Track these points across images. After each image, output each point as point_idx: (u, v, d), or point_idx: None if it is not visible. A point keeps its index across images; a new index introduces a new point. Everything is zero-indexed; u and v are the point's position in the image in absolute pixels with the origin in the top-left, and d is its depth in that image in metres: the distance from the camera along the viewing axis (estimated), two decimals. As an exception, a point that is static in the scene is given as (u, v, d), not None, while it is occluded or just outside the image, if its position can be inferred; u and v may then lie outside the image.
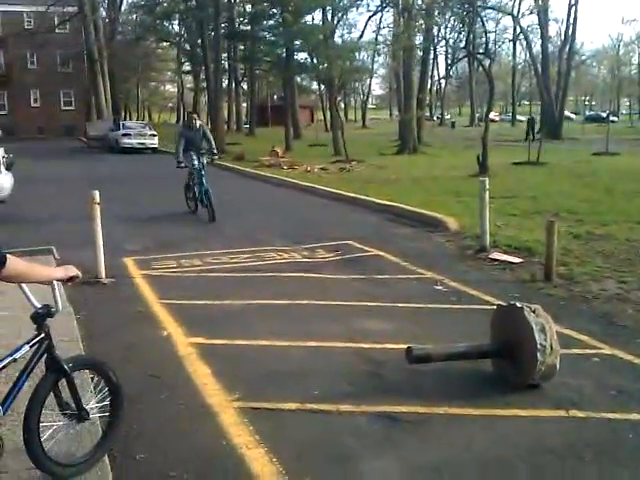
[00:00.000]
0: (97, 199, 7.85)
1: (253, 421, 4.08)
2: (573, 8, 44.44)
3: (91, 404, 3.33)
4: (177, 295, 7.05)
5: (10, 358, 2.84)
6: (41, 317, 2.96)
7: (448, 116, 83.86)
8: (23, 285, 2.95)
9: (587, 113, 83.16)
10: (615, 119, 67.78)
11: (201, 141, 12.70)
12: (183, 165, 12.40)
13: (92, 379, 3.55)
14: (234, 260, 8.85)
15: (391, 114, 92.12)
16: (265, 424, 4.05)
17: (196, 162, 12.35)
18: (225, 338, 5.65)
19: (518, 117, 73.45)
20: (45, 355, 3.02)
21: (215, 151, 13.03)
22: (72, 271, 3.02)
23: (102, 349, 5.29)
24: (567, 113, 58.09)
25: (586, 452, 3.72)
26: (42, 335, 2.99)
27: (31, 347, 2.95)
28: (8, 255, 2.58)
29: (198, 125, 12.80)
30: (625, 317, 6.18)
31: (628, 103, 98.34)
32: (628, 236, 9.75)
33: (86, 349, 5.17)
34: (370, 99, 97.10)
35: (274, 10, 38.76)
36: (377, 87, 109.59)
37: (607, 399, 4.42)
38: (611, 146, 27.24)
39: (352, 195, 15.17)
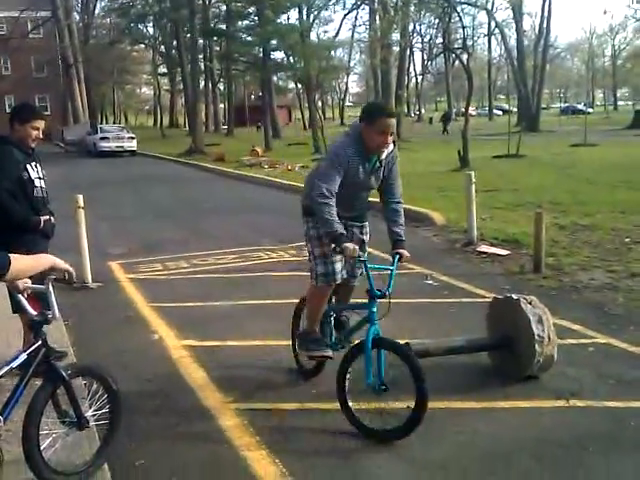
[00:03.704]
0: (81, 203, 7.73)
1: (253, 423, 4.02)
2: (547, 2, 44.83)
3: (90, 411, 3.25)
4: (166, 298, 6.96)
5: (7, 367, 2.76)
6: (38, 324, 2.88)
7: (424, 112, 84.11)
8: (19, 295, 2.87)
9: (562, 105, 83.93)
10: (590, 110, 68.41)
11: (367, 191, 4.54)
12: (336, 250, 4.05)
13: (89, 385, 3.47)
14: (221, 261, 8.77)
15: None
16: (265, 425, 3.99)
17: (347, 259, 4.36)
18: (217, 339, 5.58)
19: (495, 111, 73.91)
20: (43, 363, 2.94)
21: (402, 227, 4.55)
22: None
23: (93, 355, 5.21)
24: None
25: (589, 442, 3.70)
26: (39, 342, 2.91)
27: (28, 355, 2.87)
28: (10, 255, 2.45)
29: (386, 153, 4.31)
30: (616, 306, 6.20)
31: (602, 94, 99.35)
32: (613, 225, 9.80)
33: (77, 355, 5.07)
34: (347, 97, 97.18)
35: (249, 10, 38.67)
36: (354, 85, 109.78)
37: (606, 388, 4.41)
38: (589, 137, 27.44)
39: (335, 193, 15.09)
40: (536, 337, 4.38)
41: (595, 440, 3.73)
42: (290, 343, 4.90)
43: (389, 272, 4.11)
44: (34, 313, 2.90)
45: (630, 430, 3.84)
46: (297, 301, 4.94)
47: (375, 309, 4.06)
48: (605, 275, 7.26)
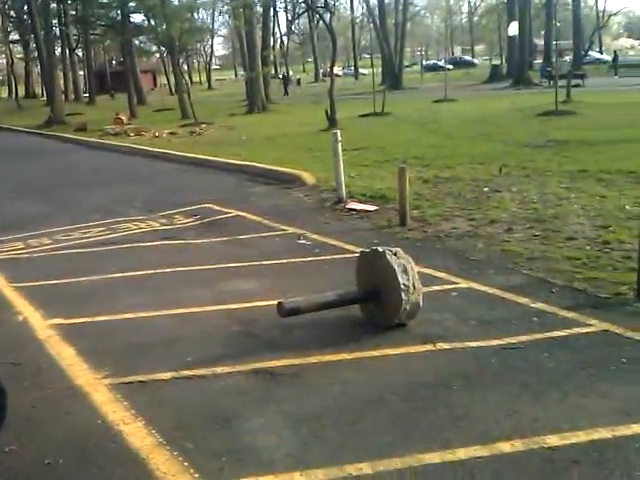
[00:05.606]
0: None
1: (127, 396, 3.94)
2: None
3: None
4: (29, 277, 6.63)
5: None
6: None
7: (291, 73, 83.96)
8: None
9: (424, 63, 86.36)
10: (450, 67, 70.79)
11: None
12: None
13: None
14: (87, 235, 8.44)
15: (236, 74, 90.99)
16: (140, 397, 3.93)
17: None
18: (87, 316, 5.39)
19: (361, 70, 74.94)
20: None
21: None
22: None
23: (-49, 343, 4.91)
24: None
25: (455, 381, 3.92)
26: None
27: None
28: None
29: None
30: (476, 252, 6.54)
31: (461, 51, 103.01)
32: (473, 176, 10.29)
33: None
34: (214, 60, 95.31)
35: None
36: (220, 47, 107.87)
37: (469, 329, 4.67)
38: (449, 93, 28.50)
39: (205, 158, 14.89)
40: (402, 286, 4.55)
41: (460, 379, 3.95)
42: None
43: None
44: None
45: (491, 367, 4.09)
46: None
47: None
48: (466, 224, 7.63)
